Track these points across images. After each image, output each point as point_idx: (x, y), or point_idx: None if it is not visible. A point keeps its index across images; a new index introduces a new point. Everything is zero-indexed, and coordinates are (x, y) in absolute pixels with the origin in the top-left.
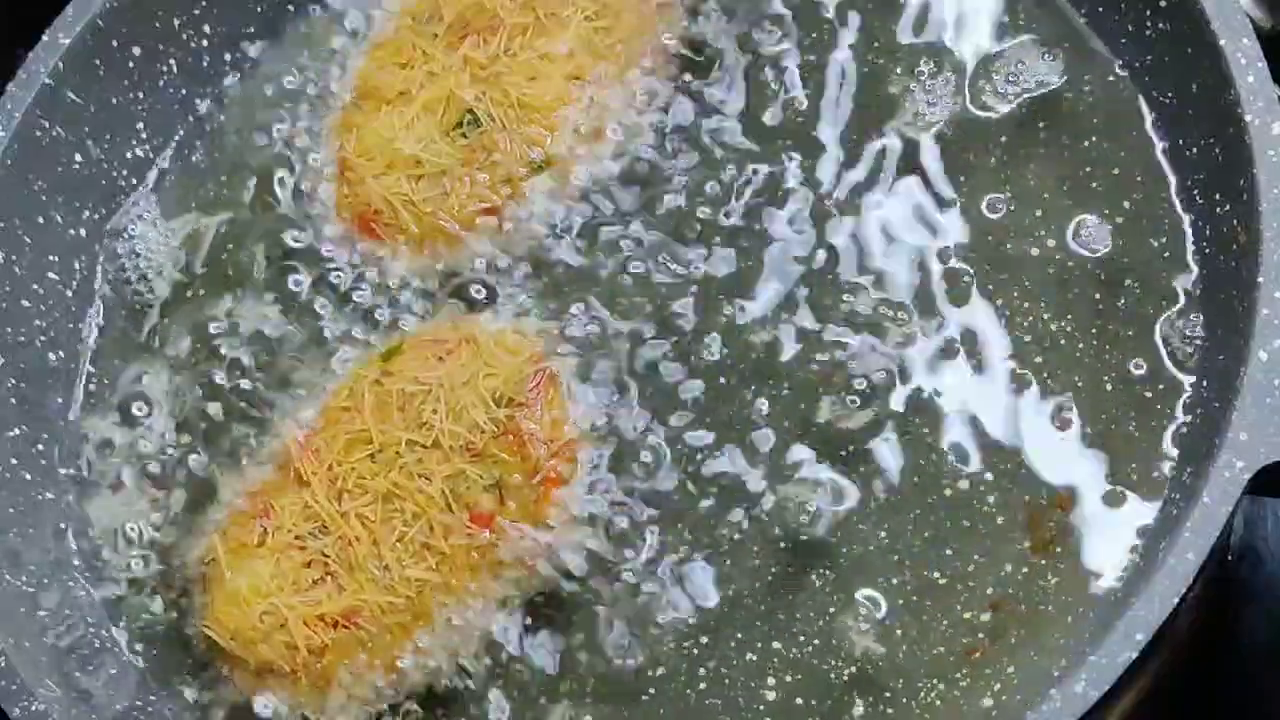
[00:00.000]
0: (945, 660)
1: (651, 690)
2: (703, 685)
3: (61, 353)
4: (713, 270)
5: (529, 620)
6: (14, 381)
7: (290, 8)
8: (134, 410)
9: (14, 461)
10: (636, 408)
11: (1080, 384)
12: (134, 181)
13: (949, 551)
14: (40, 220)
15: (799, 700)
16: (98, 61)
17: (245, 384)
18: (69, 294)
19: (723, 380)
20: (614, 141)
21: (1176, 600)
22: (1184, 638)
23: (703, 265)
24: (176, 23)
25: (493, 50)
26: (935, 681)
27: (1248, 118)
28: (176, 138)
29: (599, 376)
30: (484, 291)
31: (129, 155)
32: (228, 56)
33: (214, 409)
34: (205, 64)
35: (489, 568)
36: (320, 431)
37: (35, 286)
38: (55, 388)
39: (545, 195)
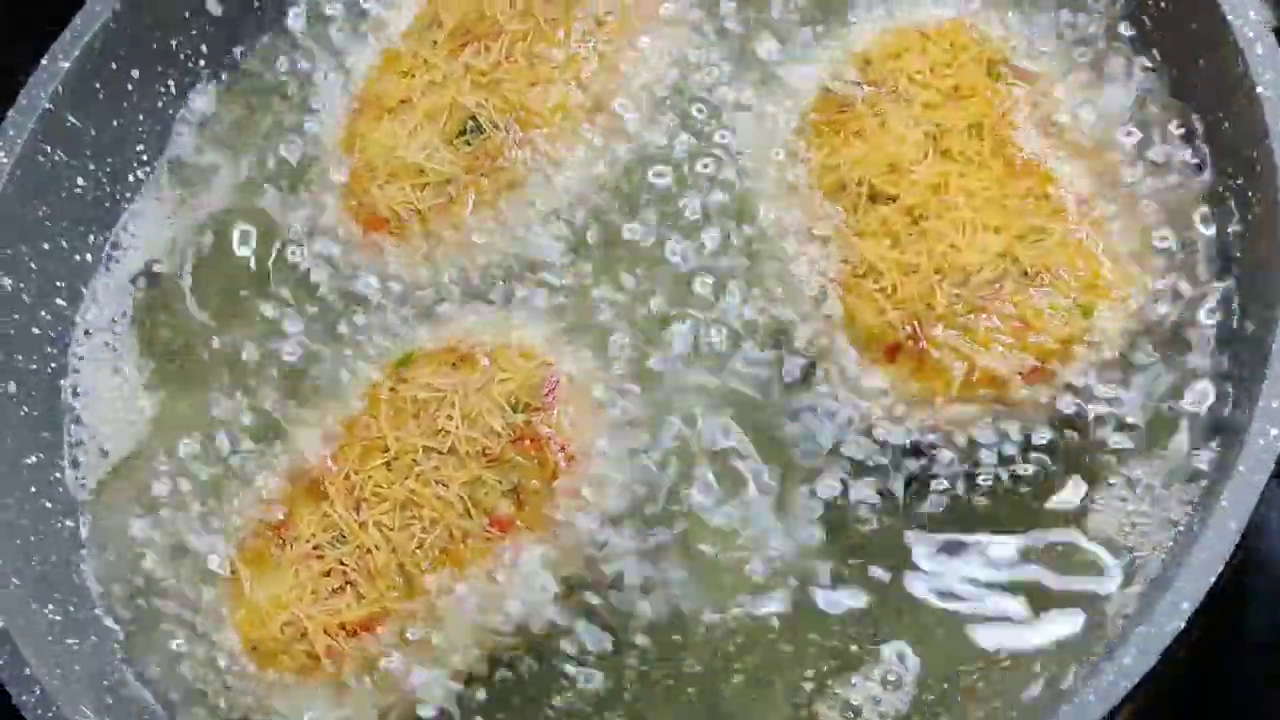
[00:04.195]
0: None
1: (691, 689)
2: (736, 679)
3: (74, 379)
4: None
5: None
6: (26, 410)
7: (286, 20)
8: (147, 430)
9: (33, 490)
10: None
11: None
12: (134, 203)
13: None
14: (45, 246)
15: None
16: (97, 85)
17: (258, 396)
18: (77, 319)
19: None
20: (619, 144)
21: (1220, 568)
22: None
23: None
24: (173, 43)
25: (494, 57)
26: (979, 663)
27: (1259, 90)
28: (176, 157)
29: (612, 378)
30: (494, 298)
31: (130, 178)
32: (224, 75)
33: (227, 422)
34: (202, 83)
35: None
36: (336, 441)
37: (44, 314)
38: (71, 414)
39: (551, 200)
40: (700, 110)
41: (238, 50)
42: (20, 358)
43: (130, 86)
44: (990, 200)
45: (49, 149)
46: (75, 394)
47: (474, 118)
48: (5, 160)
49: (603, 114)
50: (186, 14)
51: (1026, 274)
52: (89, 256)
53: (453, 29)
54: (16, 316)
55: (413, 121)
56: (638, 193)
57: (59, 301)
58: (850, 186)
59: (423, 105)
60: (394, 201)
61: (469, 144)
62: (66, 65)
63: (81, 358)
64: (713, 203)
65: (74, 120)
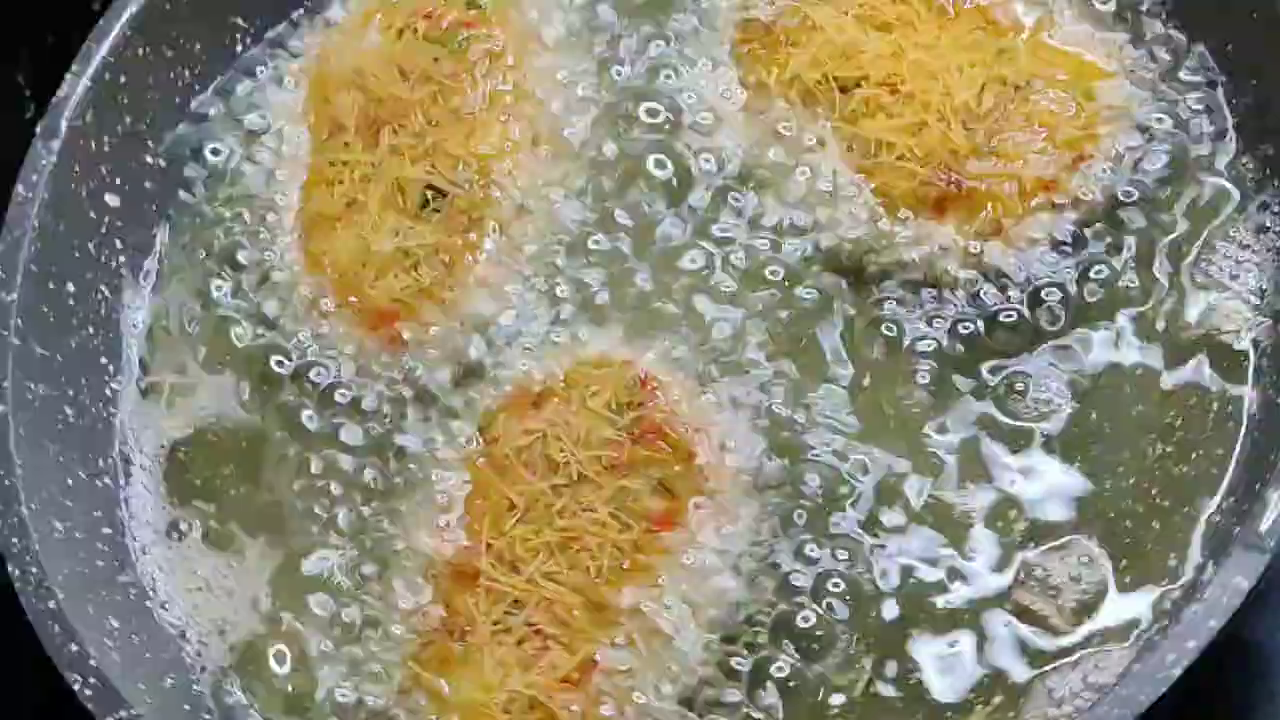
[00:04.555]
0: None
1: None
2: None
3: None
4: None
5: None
6: (136, 638)
7: (187, 192)
8: (262, 608)
9: (187, 708)
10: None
11: None
12: (121, 414)
13: None
14: (69, 483)
15: None
16: (45, 309)
17: (353, 521)
18: (120, 539)
19: None
20: (578, 152)
21: None
22: None
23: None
24: (92, 247)
25: (413, 130)
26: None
27: None
28: (141, 358)
29: (700, 351)
30: (540, 329)
31: (107, 391)
32: (146, 264)
33: (336, 559)
34: (130, 277)
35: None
36: (455, 526)
37: (100, 545)
38: (175, 629)
39: (536, 228)
40: (641, 95)
41: (151, 235)
42: (104, 593)
43: (72, 302)
44: (950, 45)
45: (32, 385)
46: (164, 607)
47: (429, 186)
48: (4, 408)
49: (552, 136)
50: (92, 214)
51: (1019, 87)
52: (108, 479)
53: (356, 126)
54: (82, 555)
55: (370, 216)
56: (628, 183)
57: (106, 530)
58: (816, 87)
59: (373, 198)
60: (393, 292)
61: (438, 210)
62: (14, 297)
63: (154, 575)
64: (697, 153)
65: (41, 350)
